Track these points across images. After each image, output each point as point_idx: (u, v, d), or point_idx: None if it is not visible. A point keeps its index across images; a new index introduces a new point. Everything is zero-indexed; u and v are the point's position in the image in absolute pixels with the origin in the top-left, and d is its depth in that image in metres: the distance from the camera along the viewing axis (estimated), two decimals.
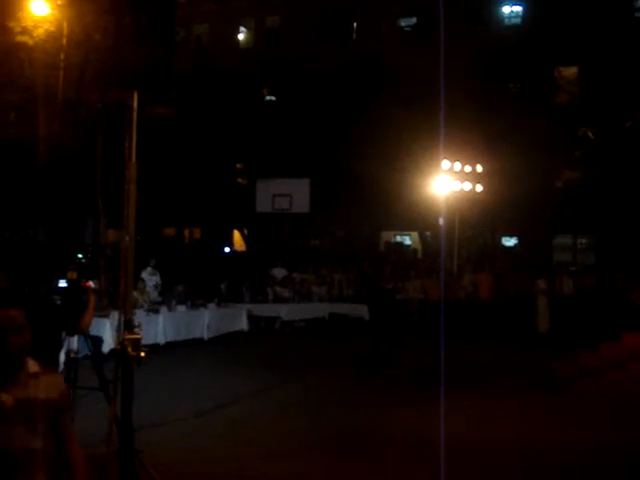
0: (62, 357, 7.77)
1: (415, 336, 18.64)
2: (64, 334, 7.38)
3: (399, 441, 8.90)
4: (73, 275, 7.29)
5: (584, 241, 33.40)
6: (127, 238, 5.91)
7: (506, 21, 34.78)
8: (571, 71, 31.56)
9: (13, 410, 3.06)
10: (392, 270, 24.84)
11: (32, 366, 3.19)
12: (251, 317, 20.28)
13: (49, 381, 3.24)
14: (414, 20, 35.69)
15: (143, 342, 5.73)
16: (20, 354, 3.15)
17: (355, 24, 36.68)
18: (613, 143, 26.57)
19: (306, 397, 11.75)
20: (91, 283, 7.51)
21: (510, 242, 35.32)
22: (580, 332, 18.19)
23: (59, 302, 7.37)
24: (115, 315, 11.80)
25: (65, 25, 17.47)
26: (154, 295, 18.30)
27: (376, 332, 16.09)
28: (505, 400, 11.45)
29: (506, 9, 34.82)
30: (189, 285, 20.08)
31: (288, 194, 25.16)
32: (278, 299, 21.83)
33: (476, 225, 28.54)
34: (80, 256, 8.84)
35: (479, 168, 24.14)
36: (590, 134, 28.41)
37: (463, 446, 8.26)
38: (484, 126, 25.97)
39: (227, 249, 35.09)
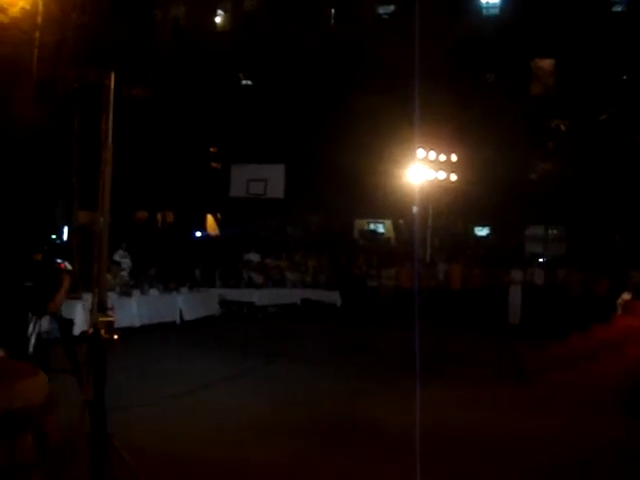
0: (33, 340, 7.66)
1: (388, 323, 18.72)
2: (31, 316, 7.26)
3: (371, 428, 8.93)
4: (38, 257, 7.19)
5: (555, 232, 33.62)
6: (101, 220, 5.82)
7: (484, 12, 34.81)
8: (547, 63, 31.69)
9: None
10: (365, 257, 24.99)
11: None
12: (223, 302, 20.26)
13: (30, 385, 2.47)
14: (392, 8, 35.59)
15: (116, 325, 5.66)
16: None
17: (333, 10, 36.52)
18: (586, 136, 26.75)
19: (277, 383, 11.75)
20: (66, 264, 7.40)
21: (483, 232, 35.49)
22: (551, 323, 18.37)
23: (29, 284, 7.25)
24: (87, 297, 11.69)
25: (41, 3, 17.19)
26: (126, 278, 18.22)
27: (347, 318, 16.14)
28: (476, 389, 11.53)
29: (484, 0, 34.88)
30: (161, 269, 20.00)
31: (263, 179, 25.02)
32: (251, 284, 21.82)
33: (449, 214, 28.62)
34: (54, 237, 8.75)
35: (454, 157, 24.23)
36: (562, 126, 28.56)
37: (434, 435, 8.30)
38: (460, 115, 26.03)
39: (199, 233, 34.88)
